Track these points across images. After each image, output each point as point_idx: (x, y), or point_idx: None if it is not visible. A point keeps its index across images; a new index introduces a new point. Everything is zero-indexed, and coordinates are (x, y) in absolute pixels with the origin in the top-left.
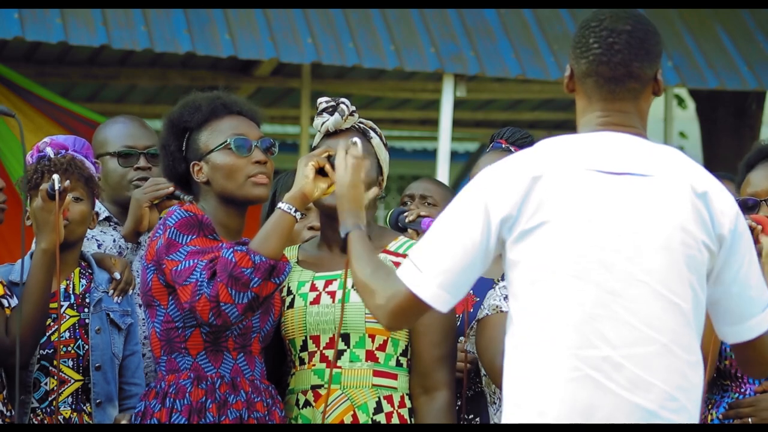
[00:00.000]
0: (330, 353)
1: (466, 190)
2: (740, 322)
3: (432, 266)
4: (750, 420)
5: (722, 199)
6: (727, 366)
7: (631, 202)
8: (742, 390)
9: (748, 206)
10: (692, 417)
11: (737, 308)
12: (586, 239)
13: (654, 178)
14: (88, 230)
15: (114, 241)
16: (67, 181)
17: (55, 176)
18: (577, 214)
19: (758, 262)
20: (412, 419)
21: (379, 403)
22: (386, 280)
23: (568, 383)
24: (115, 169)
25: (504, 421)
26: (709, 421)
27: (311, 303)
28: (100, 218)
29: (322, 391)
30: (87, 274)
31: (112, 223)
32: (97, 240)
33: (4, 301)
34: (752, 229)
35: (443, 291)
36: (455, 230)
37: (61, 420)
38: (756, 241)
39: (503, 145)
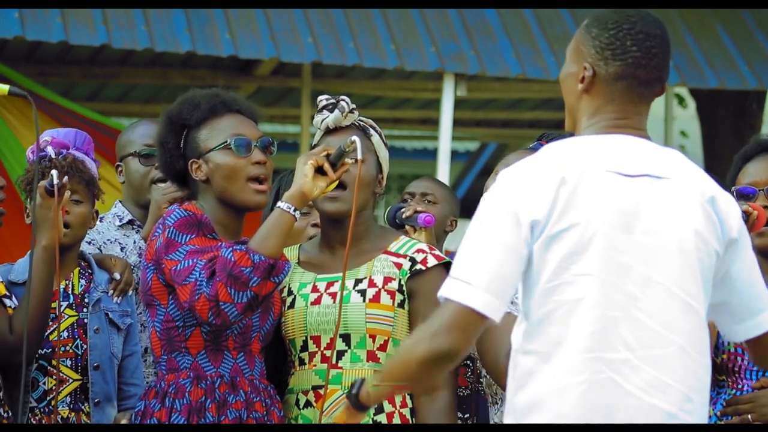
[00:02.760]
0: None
1: (491, 197)
2: (749, 318)
3: (479, 276)
4: (750, 417)
5: (728, 202)
6: (724, 360)
7: (648, 204)
8: (739, 386)
9: (744, 195)
10: (703, 419)
11: (746, 305)
12: (605, 242)
13: (670, 180)
14: (112, 233)
15: (135, 242)
16: (66, 177)
17: (54, 172)
18: (600, 217)
19: (757, 263)
20: (414, 419)
21: (380, 403)
22: (426, 325)
23: (590, 386)
24: (137, 168)
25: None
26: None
27: (312, 303)
28: (124, 221)
29: (324, 392)
30: (87, 274)
31: (135, 227)
32: (120, 243)
33: (6, 301)
34: (747, 215)
35: (494, 298)
36: (491, 238)
37: (60, 420)
38: (750, 229)
39: None
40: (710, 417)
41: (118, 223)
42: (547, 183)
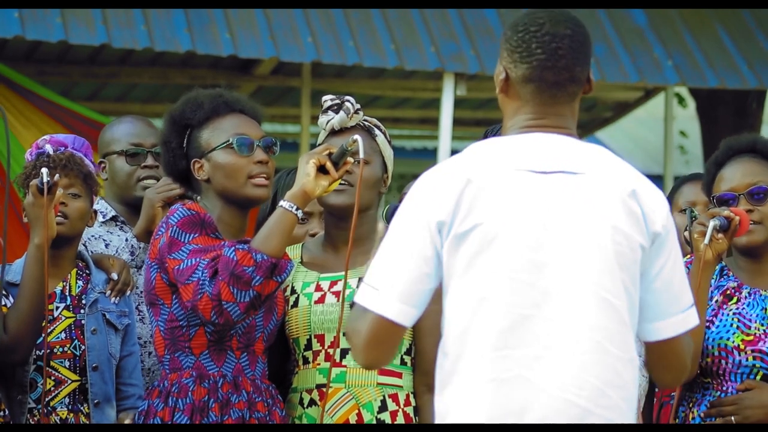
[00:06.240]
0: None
1: (406, 201)
2: (661, 318)
3: (387, 283)
4: (732, 419)
5: (653, 196)
6: (709, 363)
7: (562, 200)
8: (724, 388)
9: (724, 202)
10: (625, 414)
11: (659, 304)
12: (517, 240)
13: (585, 176)
14: (95, 229)
15: (126, 240)
16: (57, 176)
17: (44, 170)
18: (508, 215)
19: (682, 263)
20: (417, 418)
21: (383, 401)
22: (354, 333)
23: (500, 385)
24: (123, 167)
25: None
26: (690, 420)
27: (316, 302)
28: (107, 218)
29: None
30: (84, 274)
31: (118, 223)
32: (104, 239)
33: (2, 299)
34: (730, 221)
35: (405, 305)
36: (402, 243)
37: (58, 420)
38: (733, 234)
39: None
40: (694, 418)
41: (101, 219)
42: (452, 184)
